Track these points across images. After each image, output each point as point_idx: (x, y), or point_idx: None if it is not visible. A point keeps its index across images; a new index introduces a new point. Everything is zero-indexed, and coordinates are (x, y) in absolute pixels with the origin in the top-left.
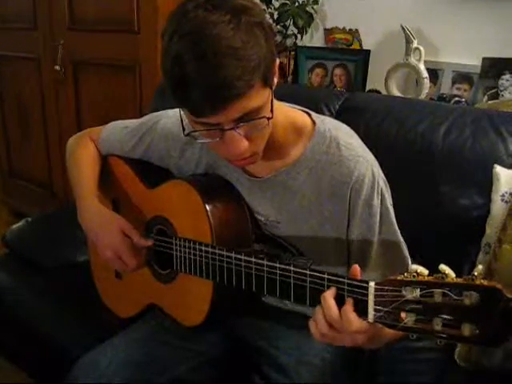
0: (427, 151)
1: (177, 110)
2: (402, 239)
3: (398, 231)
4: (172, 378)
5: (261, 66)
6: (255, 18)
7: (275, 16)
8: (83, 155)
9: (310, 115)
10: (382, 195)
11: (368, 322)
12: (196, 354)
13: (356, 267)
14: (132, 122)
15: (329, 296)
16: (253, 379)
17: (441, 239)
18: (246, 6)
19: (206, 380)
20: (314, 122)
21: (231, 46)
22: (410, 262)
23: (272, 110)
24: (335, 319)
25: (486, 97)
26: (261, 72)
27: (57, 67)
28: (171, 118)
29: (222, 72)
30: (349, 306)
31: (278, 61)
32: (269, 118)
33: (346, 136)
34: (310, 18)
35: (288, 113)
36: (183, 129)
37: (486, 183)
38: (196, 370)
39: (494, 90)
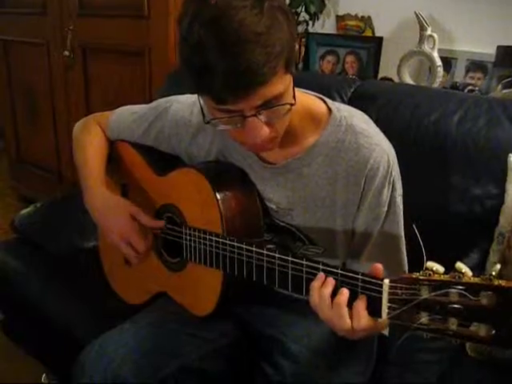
0: (440, 140)
1: (188, 95)
2: (402, 235)
3: (402, 226)
4: (181, 366)
5: (284, 52)
6: (277, 2)
7: (287, 2)
8: (90, 140)
9: (325, 102)
10: (393, 186)
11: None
12: (206, 342)
13: (379, 267)
14: (141, 108)
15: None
16: (263, 367)
17: (454, 229)
18: None
19: (215, 368)
20: (329, 109)
21: (256, 32)
22: (405, 259)
23: (294, 97)
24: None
25: (500, 86)
26: (284, 58)
27: (66, 52)
28: (182, 103)
29: (247, 58)
30: (361, 303)
31: (296, 46)
32: (291, 105)
33: (361, 123)
34: (322, 4)
35: (303, 99)
36: (203, 116)
37: (500, 173)
38: (205, 358)
39: (508, 79)
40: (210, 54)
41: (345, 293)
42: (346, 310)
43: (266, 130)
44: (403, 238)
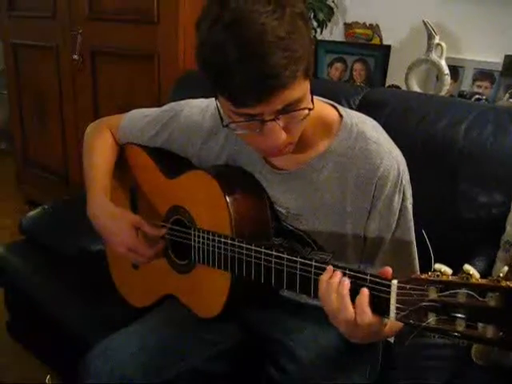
0: (447, 148)
1: (200, 100)
2: (414, 240)
3: (413, 232)
4: (186, 368)
5: (304, 57)
6: (297, 8)
7: None
8: (98, 146)
9: (336, 108)
10: (404, 193)
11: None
12: (211, 345)
13: (388, 269)
14: (153, 111)
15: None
16: (269, 371)
17: (460, 237)
18: None
19: (221, 370)
20: (340, 116)
21: (278, 36)
22: (417, 264)
23: (312, 101)
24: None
25: (507, 95)
26: (304, 63)
27: (75, 56)
28: (194, 107)
29: (269, 61)
30: (363, 297)
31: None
32: (310, 109)
33: (373, 131)
34: (331, 12)
35: (316, 106)
36: (221, 119)
37: (507, 181)
38: (211, 360)
39: None
40: (231, 56)
41: (346, 284)
42: (348, 300)
43: (283, 135)
44: (415, 244)
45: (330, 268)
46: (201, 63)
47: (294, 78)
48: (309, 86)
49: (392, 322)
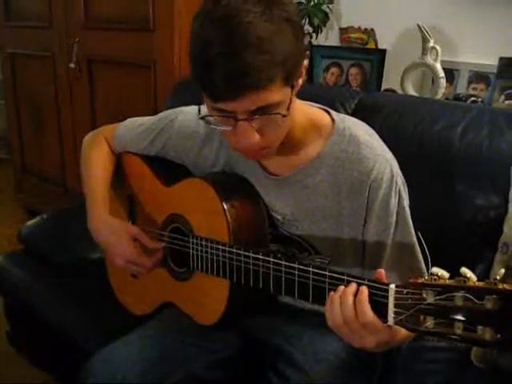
0: (444, 151)
1: (193, 106)
2: (416, 242)
3: (413, 233)
4: (186, 375)
5: (286, 63)
6: (286, 13)
7: None
8: (96, 156)
9: (329, 113)
10: (400, 195)
11: (388, 324)
12: (211, 352)
13: (381, 271)
14: (148, 119)
15: (349, 292)
16: (268, 377)
17: (457, 239)
18: (278, 0)
19: (220, 378)
20: (333, 120)
21: (260, 37)
22: (423, 266)
23: (289, 109)
24: (351, 315)
25: (502, 96)
26: (285, 68)
27: (72, 65)
28: (188, 114)
29: (246, 60)
30: (363, 296)
31: (305, 62)
32: (284, 116)
33: (365, 134)
34: (326, 17)
35: (307, 111)
36: (199, 111)
37: (504, 183)
38: (211, 368)
39: (510, 90)
40: (214, 50)
41: (353, 285)
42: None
43: (255, 137)
44: (417, 246)
45: (331, 295)
46: (190, 57)
47: (270, 81)
48: (290, 94)
49: None
